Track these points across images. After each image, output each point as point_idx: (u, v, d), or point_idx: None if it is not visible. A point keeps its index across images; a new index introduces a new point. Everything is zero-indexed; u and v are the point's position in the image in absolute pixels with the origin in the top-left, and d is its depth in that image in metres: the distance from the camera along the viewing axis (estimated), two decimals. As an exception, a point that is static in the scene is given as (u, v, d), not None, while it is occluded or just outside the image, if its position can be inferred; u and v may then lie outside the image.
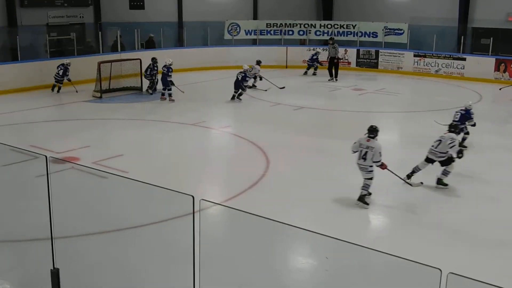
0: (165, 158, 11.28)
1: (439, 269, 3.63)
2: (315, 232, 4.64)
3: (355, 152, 8.88)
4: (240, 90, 16.92)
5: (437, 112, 15.71)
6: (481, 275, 3.79)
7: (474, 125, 11.67)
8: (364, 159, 8.65)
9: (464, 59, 21.91)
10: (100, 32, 21.71)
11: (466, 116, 11.58)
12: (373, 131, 8.71)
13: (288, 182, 9.86)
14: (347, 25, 25.11)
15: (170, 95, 16.83)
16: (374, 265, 5.06)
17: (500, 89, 19.36)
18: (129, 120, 14.71)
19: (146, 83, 18.24)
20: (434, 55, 22.57)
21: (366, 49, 24.16)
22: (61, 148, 11.35)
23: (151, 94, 17.88)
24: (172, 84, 16.74)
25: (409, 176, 9.61)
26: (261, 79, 18.60)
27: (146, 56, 19.03)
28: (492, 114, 16.19)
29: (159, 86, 17.43)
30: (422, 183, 9.39)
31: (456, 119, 11.40)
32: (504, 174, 10.45)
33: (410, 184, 9.37)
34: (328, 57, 21.29)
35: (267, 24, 25.53)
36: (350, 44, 24.76)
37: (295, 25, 25.50)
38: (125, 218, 7.64)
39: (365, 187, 8.72)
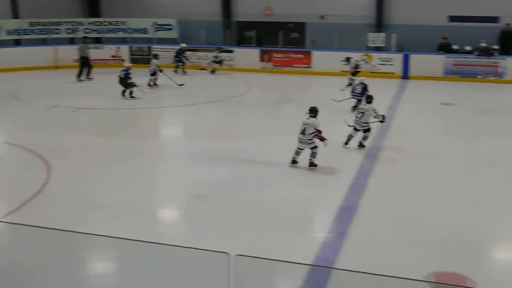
0: None
1: (226, 252, 4.00)
2: (108, 236, 4.71)
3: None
4: (129, 88, 16.57)
5: (214, 102, 16.59)
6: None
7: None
8: (303, 134, 10.24)
9: (232, 51, 23.32)
10: None
11: (364, 88, 14.30)
12: (312, 111, 10.35)
13: (74, 187, 9.56)
14: (116, 22, 24.91)
15: None
16: (170, 259, 5.29)
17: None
18: None
19: None
20: (204, 48, 23.59)
21: (139, 45, 24.27)
22: None
23: None
24: None
25: (346, 143, 11.71)
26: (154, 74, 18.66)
27: None
28: (262, 100, 17.65)
29: None
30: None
31: (358, 91, 14.37)
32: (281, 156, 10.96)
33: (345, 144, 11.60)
34: (80, 56, 20.78)
35: (30, 23, 24.03)
36: (122, 41, 24.67)
37: (61, 23, 24.49)
38: None
39: (313, 154, 10.33)
